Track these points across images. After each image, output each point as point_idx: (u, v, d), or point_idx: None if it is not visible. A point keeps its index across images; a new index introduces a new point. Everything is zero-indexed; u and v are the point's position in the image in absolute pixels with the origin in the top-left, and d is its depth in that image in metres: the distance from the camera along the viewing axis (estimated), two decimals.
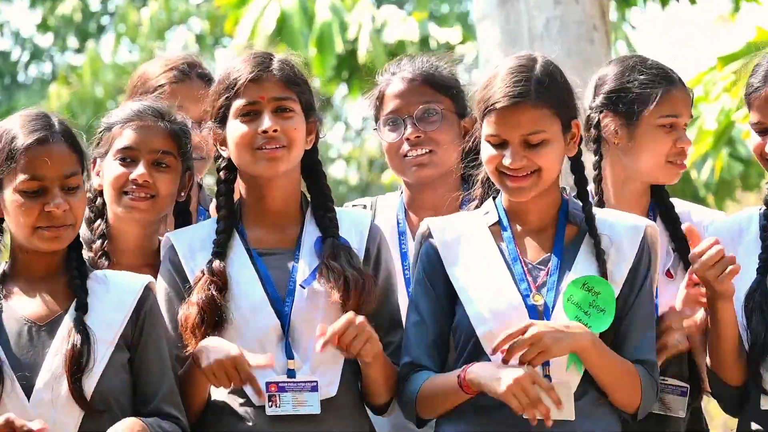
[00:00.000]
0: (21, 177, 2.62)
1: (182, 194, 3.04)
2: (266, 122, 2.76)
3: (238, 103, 2.81)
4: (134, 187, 2.96)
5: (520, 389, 2.59)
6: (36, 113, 2.76)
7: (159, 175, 3.00)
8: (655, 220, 3.16)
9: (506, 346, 2.64)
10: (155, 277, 2.83)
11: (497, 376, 2.63)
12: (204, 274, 2.78)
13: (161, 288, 2.83)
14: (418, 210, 3.28)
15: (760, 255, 2.92)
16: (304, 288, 2.81)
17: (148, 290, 2.74)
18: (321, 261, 2.83)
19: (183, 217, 3.07)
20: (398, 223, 3.30)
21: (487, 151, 2.78)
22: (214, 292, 2.74)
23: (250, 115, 2.82)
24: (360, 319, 2.66)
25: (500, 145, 2.75)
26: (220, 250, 2.80)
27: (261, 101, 2.81)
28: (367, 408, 2.91)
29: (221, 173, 2.91)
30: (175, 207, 3.05)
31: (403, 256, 3.21)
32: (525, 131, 2.73)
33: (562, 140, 2.77)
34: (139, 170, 2.96)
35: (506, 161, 2.73)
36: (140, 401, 2.73)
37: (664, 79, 3.14)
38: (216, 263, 2.78)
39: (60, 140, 2.69)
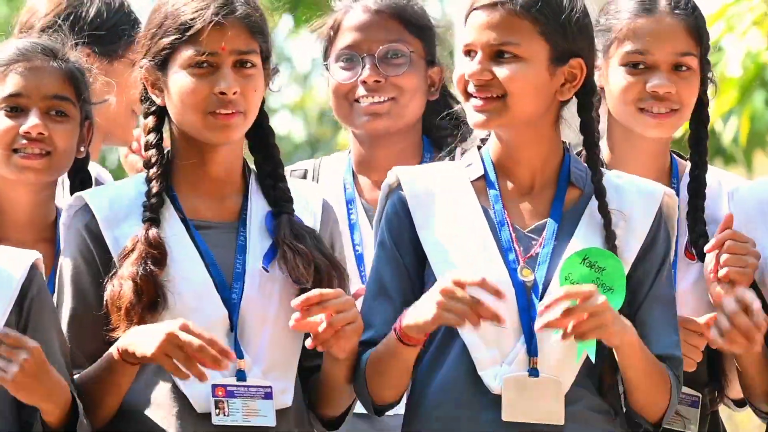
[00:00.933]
0: None
1: (81, 149, 2.62)
2: (225, 81, 2.35)
3: (189, 52, 2.38)
4: (25, 142, 2.55)
5: (449, 300, 2.24)
6: None
7: (55, 126, 2.59)
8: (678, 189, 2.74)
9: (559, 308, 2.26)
10: (53, 255, 2.41)
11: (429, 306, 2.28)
12: (138, 242, 2.36)
13: (67, 263, 2.38)
14: (368, 171, 2.93)
15: None
16: (267, 271, 2.42)
17: (34, 270, 2.32)
18: (282, 242, 2.45)
19: (82, 179, 2.64)
20: (345, 189, 2.93)
21: (462, 69, 2.45)
22: (151, 266, 2.32)
23: (204, 67, 2.39)
24: (346, 297, 2.33)
25: (470, 53, 2.43)
26: (154, 216, 2.36)
27: (221, 53, 2.39)
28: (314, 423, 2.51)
29: (150, 120, 2.46)
30: (72, 166, 2.62)
31: (352, 228, 2.85)
32: (494, 38, 2.40)
33: (546, 70, 2.39)
34: (32, 121, 2.55)
35: (466, 69, 2.39)
36: (24, 406, 2.28)
37: (640, 6, 2.74)
38: (153, 231, 2.36)
39: None
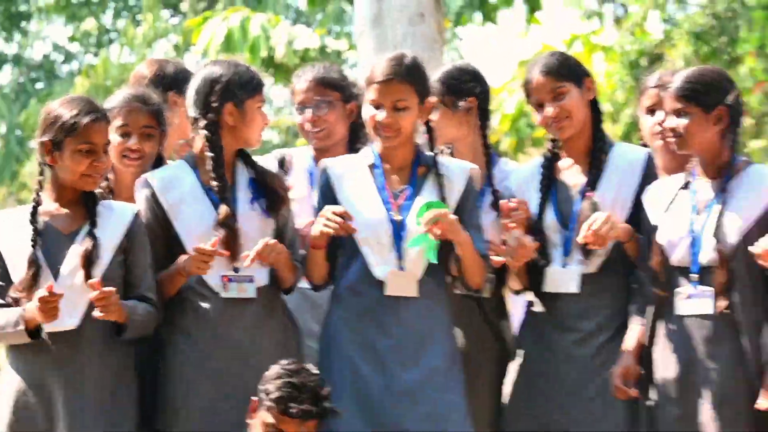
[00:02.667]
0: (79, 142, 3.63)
1: (159, 151, 4.08)
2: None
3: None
4: (129, 152, 4.01)
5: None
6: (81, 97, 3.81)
7: (145, 143, 4.03)
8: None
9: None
10: None
11: (317, 225, 3.71)
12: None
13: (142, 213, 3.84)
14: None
15: (538, 195, 4.02)
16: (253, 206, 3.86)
17: (137, 216, 3.75)
18: (259, 196, 3.87)
19: (157, 164, 4.06)
20: (310, 172, 4.41)
21: (368, 111, 3.77)
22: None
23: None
24: (273, 241, 3.72)
25: (377, 107, 3.75)
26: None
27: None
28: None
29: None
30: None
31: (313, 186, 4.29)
32: (394, 99, 3.74)
33: (417, 110, 3.77)
34: (132, 141, 4.00)
35: (379, 117, 3.74)
36: (129, 289, 3.68)
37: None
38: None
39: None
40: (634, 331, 3.83)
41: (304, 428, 3.55)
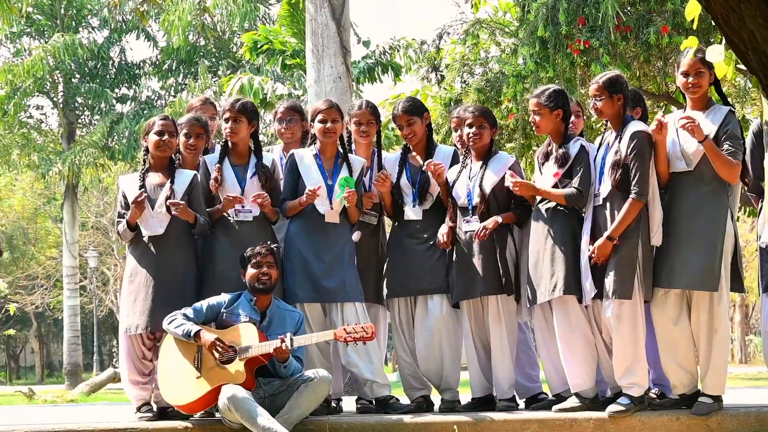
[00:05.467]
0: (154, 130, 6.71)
1: (206, 146, 7.16)
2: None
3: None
4: (189, 146, 6.98)
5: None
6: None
7: (198, 142, 7.00)
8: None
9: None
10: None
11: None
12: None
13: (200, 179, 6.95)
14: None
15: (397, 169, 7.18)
16: (252, 178, 6.85)
17: (195, 177, 6.68)
18: (259, 169, 6.76)
19: (206, 152, 7.12)
20: (281, 158, 7.22)
21: (318, 126, 6.79)
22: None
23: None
24: (265, 194, 6.80)
25: (323, 121, 6.76)
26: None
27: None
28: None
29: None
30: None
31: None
32: (331, 117, 6.83)
33: (342, 124, 6.97)
34: (191, 140, 6.97)
35: (328, 126, 6.75)
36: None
37: None
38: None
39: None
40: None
41: (264, 260, 6.34)
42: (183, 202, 6.54)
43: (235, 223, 6.81)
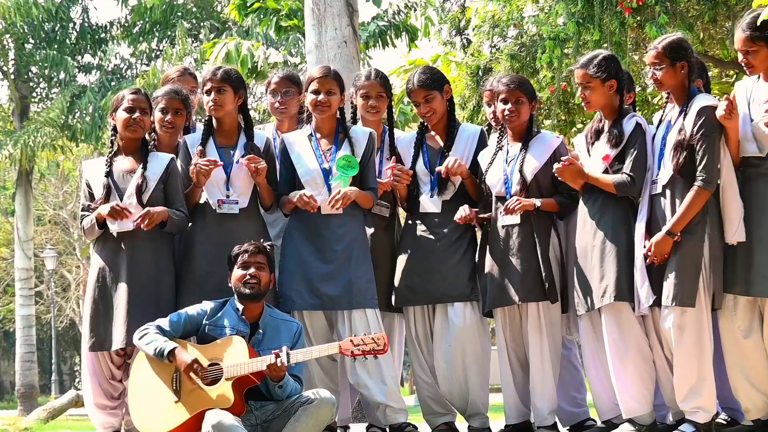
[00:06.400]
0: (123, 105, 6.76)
1: (187, 124, 7.14)
2: None
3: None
4: (166, 123, 6.91)
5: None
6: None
7: (176, 119, 6.91)
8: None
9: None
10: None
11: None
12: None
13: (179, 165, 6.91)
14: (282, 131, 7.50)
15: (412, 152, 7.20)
16: (239, 162, 6.70)
17: (172, 160, 6.65)
18: (249, 150, 6.68)
19: (186, 132, 7.21)
20: (274, 138, 7.22)
21: (310, 97, 6.70)
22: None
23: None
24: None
25: (315, 92, 6.68)
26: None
27: None
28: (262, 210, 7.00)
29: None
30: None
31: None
32: (326, 88, 6.66)
33: (340, 97, 6.79)
34: (168, 117, 6.89)
35: (320, 98, 6.66)
36: (168, 206, 6.47)
37: None
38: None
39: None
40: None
41: (253, 260, 6.25)
42: (149, 209, 6.55)
43: (219, 217, 6.72)
